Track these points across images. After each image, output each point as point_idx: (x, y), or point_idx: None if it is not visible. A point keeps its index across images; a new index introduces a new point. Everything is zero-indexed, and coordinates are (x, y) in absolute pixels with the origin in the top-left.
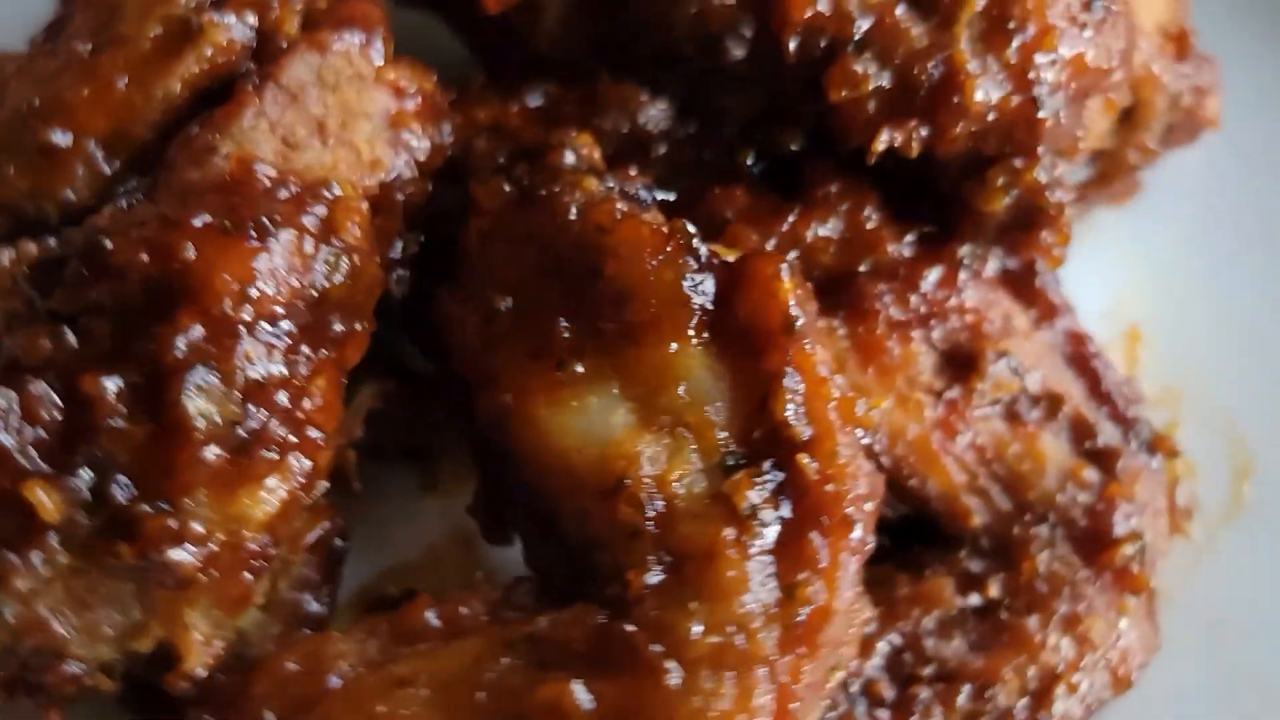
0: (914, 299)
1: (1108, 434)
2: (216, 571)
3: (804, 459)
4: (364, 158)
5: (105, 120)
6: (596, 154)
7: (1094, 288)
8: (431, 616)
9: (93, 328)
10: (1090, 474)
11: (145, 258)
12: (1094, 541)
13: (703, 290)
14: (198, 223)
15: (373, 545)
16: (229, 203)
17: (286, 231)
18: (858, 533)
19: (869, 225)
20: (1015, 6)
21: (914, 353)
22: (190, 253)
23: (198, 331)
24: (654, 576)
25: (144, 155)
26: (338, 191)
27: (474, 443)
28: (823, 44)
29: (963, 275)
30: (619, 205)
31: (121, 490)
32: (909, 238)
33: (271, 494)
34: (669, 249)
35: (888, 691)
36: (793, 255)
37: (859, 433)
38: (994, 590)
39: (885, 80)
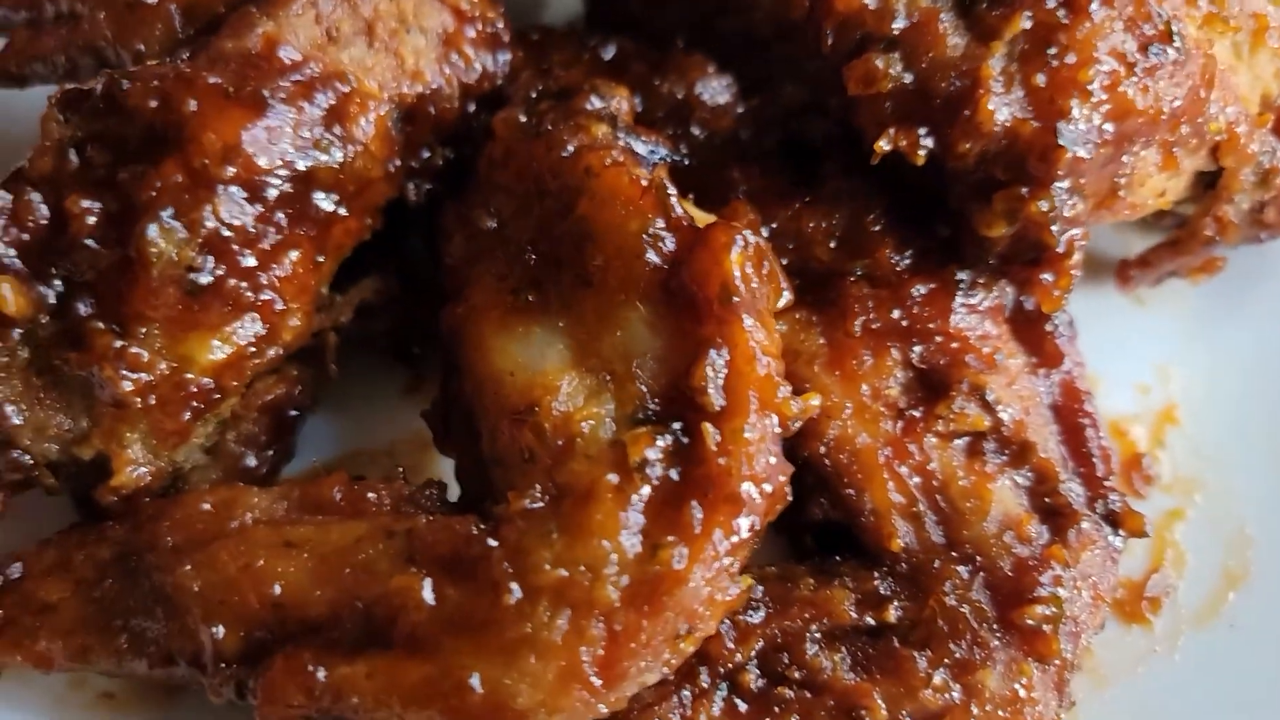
0: (897, 311)
1: (1072, 495)
2: (155, 400)
3: (708, 429)
4: (406, 67)
5: None
6: (624, 106)
7: (1137, 356)
8: (338, 493)
9: (94, 157)
10: (1036, 529)
11: (153, 104)
12: (1010, 594)
13: (661, 248)
14: (208, 82)
15: (344, 429)
16: (241, 71)
17: (285, 109)
18: (744, 515)
19: (872, 229)
20: (1062, 33)
21: (886, 365)
22: (191, 106)
23: (175, 178)
24: (532, 503)
25: (212, 26)
26: (354, 85)
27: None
28: (858, 37)
29: (959, 299)
30: (614, 154)
31: (84, 305)
32: (909, 250)
33: (221, 344)
34: (642, 201)
35: (754, 684)
36: (782, 246)
37: (772, 421)
38: (892, 615)
39: (908, 81)
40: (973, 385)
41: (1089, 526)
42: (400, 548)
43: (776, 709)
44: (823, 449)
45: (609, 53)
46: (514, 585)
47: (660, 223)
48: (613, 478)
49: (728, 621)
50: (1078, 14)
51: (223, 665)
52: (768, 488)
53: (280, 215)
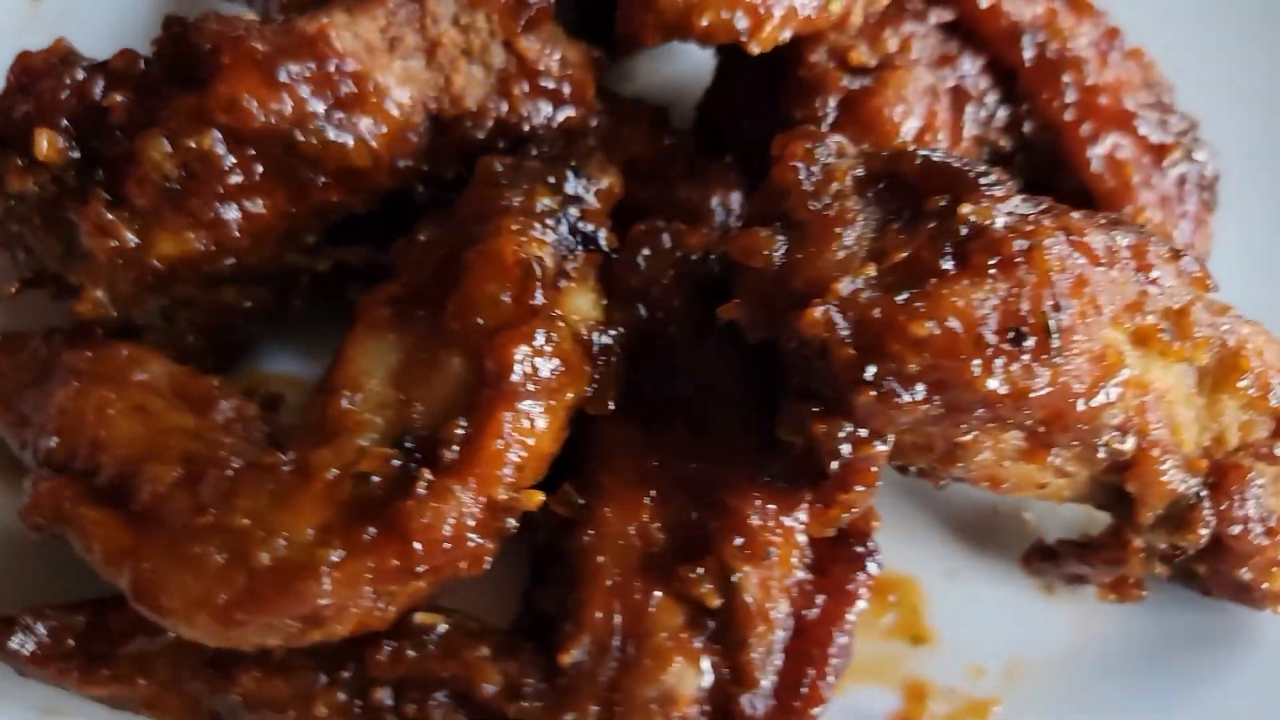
0: (696, 465)
1: (750, 709)
2: (120, 264)
3: (424, 474)
4: (453, 89)
5: None
6: (605, 185)
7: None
8: (215, 393)
9: (154, 70)
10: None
11: (206, 48)
12: None
13: (495, 315)
14: (249, 45)
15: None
16: (283, 47)
17: (297, 87)
18: (404, 561)
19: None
20: (934, 280)
21: (666, 506)
22: (225, 60)
23: (185, 109)
24: (280, 464)
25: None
26: (377, 88)
27: None
28: (766, 210)
29: (760, 481)
30: (524, 222)
31: (97, 174)
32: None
33: (175, 243)
34: (509, 270)
35: (381, 699)
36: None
37: (479, 498)
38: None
39: (776, 265)
40: (723, 564)
41: None
42: (193, 447)
43: None
44: (575, 545)
45: (668, 139)
46: (214, 513)
47: (507, 296)
48: (333, 473)
49: (395, 642)
50: (960, 270)
51: (40, 466)
52: (446, 546)
53: (258, 166)
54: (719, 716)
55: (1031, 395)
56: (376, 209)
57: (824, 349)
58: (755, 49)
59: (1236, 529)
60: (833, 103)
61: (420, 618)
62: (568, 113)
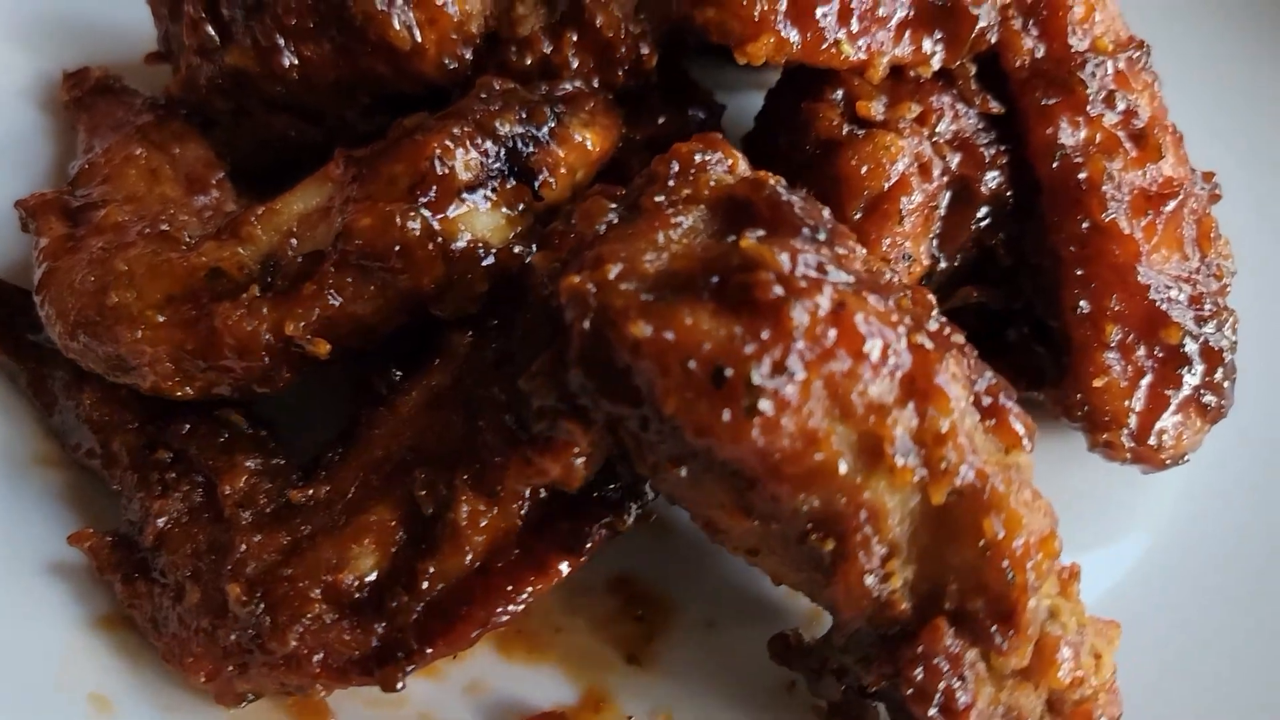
0: None
1: None
2: (199, 61)
3: (279, 284)
4: (514, 13)
5: None
6: (579, 139)
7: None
8: (216, 177)
9: None
10: None
11: None
12: None
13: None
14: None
15: None
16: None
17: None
18: (210, 352)
19: None
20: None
21: None
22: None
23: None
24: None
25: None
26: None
27: None
28: None
29: None
30: (477, 141)
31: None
32: None
33: (244, 56)
34: (420, 166)
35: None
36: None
37: None
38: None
39: None
40: (451, 484)
41: None
42: (157, 210)
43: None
44: (365, 415)
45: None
46: (110, 252)
47: (405, 181)
48: (202, 260)
49: (194, 420)
50: (711, 294)
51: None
52: (236, 352)
53: (313, 15)
54: (371, 609)
55: (707, 438)
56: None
57: (567, 316)
58: (741, 59)
59: (911, 690)
60: (814, 142)
61: (225, 413)
62: (618, 73)
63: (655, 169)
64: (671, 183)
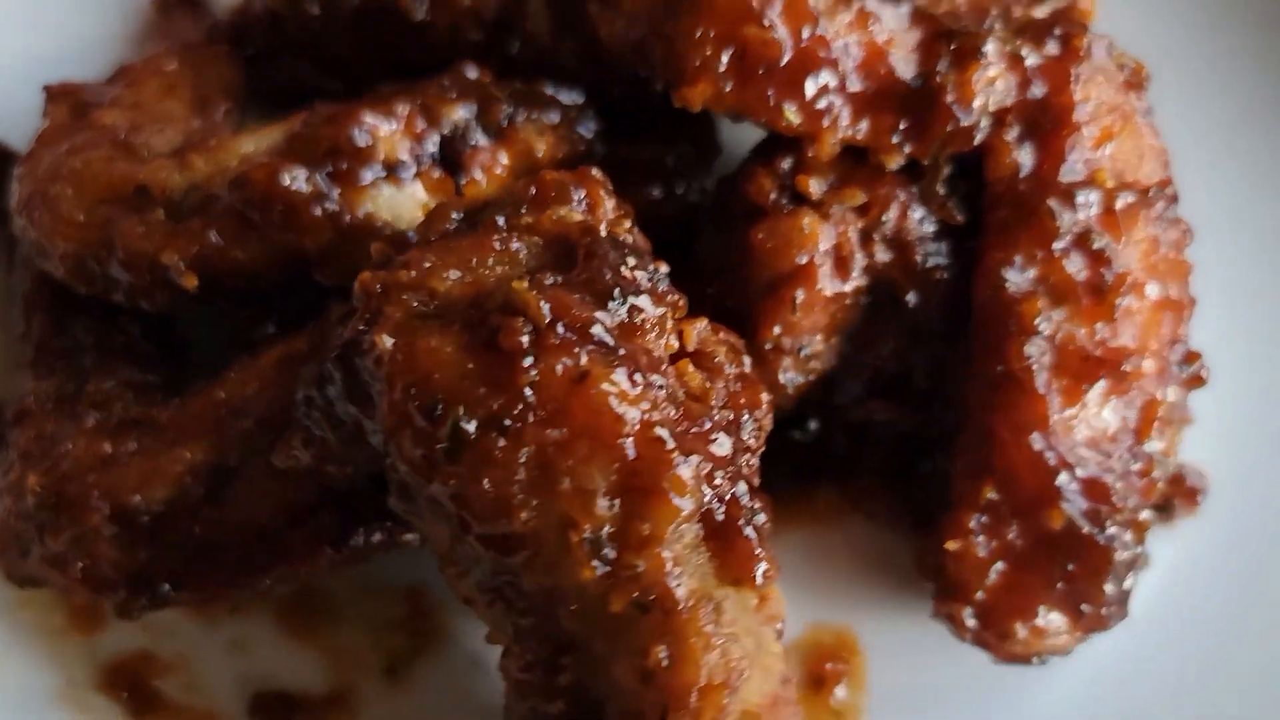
0: None
1: None
2: None
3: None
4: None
5: None
6: (522, 141)
7: None
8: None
9: None
10: None
11: None
12: None
13: None
14: None
15: None
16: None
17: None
18: None
19: None
20: None
21: None
22: None
23: None
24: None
25: None
26: None
27: None
28: None
29: None
30: (416, 124)
31: None
32: None
33: None
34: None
35: None
36: None
37: None
38: None
39: None
40: None
41: None
42: (168, 126)
43: None
44: None
45: None
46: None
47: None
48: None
49: None
50: (466, 324)
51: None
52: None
53: None
54: (144, 535)
55: (408, 469)
56: None
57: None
58: (678, 102)
59: None
60: (742, 204)
61: (125, 320)
62: (613, 87)
63: (515, 189)
64: (524, 208)
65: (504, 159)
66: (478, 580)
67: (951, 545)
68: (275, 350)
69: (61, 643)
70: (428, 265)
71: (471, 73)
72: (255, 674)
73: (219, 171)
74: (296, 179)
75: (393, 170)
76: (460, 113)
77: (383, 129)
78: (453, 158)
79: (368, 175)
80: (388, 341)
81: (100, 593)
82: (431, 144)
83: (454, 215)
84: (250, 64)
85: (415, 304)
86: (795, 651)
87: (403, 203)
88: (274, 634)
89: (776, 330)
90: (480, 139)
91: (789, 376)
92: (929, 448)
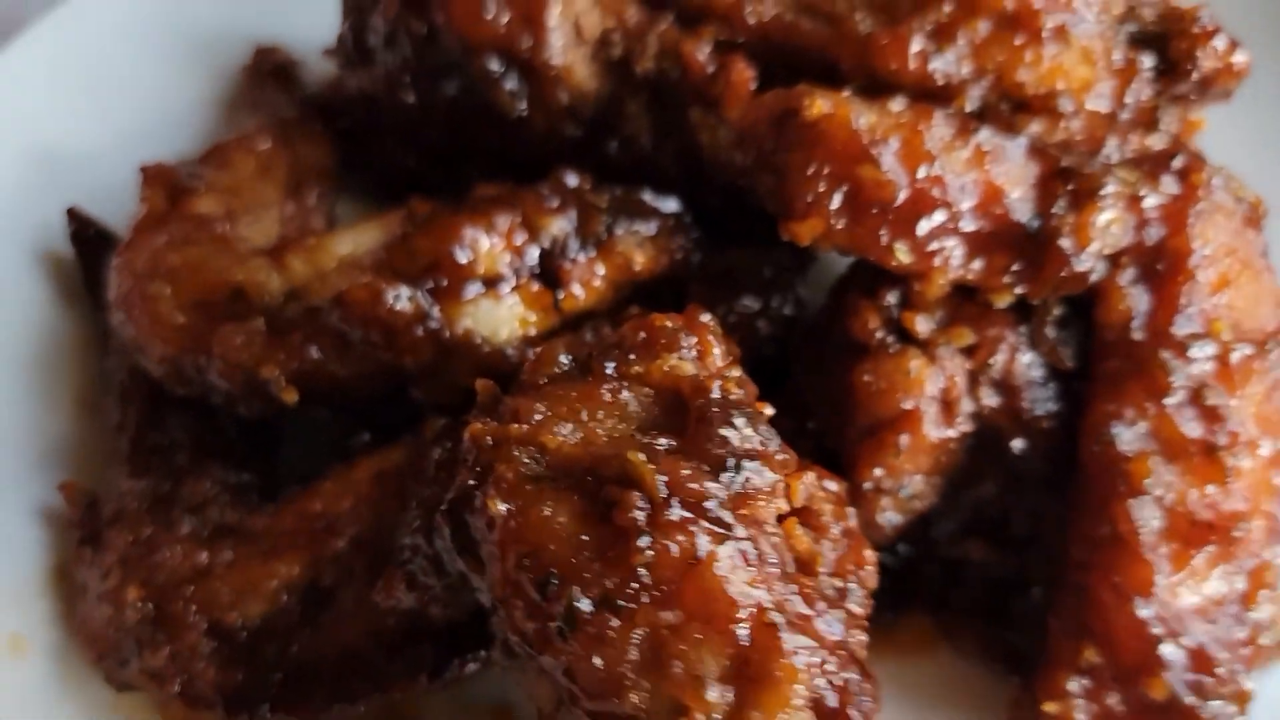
0: None
1: None
2: None
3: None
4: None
5: None
6: (621, 255)
7: None
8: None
9: None
10: None
11: None
12: None
13: None
14: None
15: None
16: None
17: None
18: None
19: None
20: None
21: None
22: None
23: None
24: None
25: None
26: None
27: None
28: None
29: None
30: (517, 237)
31: None
32: None
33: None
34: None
35: None
36: None
37: None
38: None
39: None
40: None
41: None
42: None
43: None
44: None
45: None
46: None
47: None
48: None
49: None
50: (585, 498)
51: None
52: None
53: None
54: (243, 655)
55: (518, 639)
56: None
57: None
58: (785, 235)
59: None
60: (844, 339)
61: (222, 419)
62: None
63: (623, 334)
64: (632, 355)
65: (601, 271)
66: None
67: (1050, 708)
68: (370, 463)
69: None
70: (538, 418)
71: (571, 180)
72: None
73: (317, 276)
74: (399, 299)
75: (492, 284)
76: (560, 225)
77: (483, 244)
78: (551, 270)
79: (469, 291)
80: (501, 507)
81: (198, 709)
82: (531, 257)
83: (562, 359)
84: (341, 139)
85: (526, 460)
86: None
87: (500, 316)
88: None
89: (878, 472)
90: (578, 251)
91: (887, 517)
92: (1024, 589)
